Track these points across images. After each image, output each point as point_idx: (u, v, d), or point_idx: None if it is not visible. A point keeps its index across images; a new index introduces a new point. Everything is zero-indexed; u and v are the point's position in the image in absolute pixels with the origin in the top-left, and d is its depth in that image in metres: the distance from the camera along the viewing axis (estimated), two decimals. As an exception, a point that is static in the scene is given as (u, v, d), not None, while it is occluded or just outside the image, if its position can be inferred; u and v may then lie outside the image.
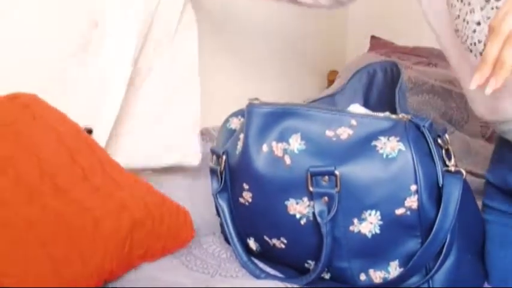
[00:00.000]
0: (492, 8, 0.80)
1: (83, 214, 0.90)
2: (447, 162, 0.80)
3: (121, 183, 1.00)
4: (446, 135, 0.82)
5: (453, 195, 0.77)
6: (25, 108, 1.05)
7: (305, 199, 0.82)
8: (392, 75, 0.98)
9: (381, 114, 0.83)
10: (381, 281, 0.82)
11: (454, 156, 0.81)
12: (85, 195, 0.94)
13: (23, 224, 0.85)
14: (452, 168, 0.80)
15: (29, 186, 0.91)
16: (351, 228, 0.81)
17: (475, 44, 0.83)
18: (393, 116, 0.83)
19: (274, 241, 0.88)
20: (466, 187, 0.81)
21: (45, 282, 0.81)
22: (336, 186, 0.80)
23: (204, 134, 1.54)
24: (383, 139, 0.80)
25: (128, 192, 0.98)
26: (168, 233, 0.97)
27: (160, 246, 0.96)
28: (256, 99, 0.91)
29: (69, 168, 0.98)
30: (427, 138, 0.80)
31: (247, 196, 0.88)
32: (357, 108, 0.90)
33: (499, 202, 0.92)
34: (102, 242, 0.88)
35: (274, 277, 0.90)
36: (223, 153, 0.92)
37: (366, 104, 0.98)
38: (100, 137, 1.07)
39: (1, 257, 0.80)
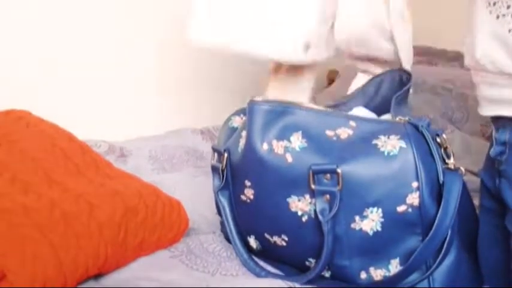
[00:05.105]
0: None
1: (78, 201, 0.91)
2: (446, 160, 0.81)
3: (114, 178, 1.01)
4: (444, 135, 0.83)
5: (453, 191, 0.78)
6: (19, 119, 1.09)
7: (307, 196, 0.82)
8: (401, 83, 0.97)
9: (380, 118, 0.84)
10: (381, 278, 0.82)
11: (453, 155, 0.81)
12: (79, 186, 0.95)
13: (19, 210, 0.86)
14: (452, 166, 0.80)
15: (24, 181, 0.92)
16: (353, 225, 0.81)
17: None
18: (391, 119, 0.84)
19: (275, 239, 0.88)
20: (463, 186, 0.81)
21: (45, 266, 0.81)
22: (338, 184, 0.80)
23: (205, 133, 1.54)
24: (383, 137, 0.80)
25: (122, 183, 0.99)
26: (162, 223, 0.98)
27: (155, 238, 0.97)
28: (259, 97, 0.91)
29: (63, 165, 0.99)
30: (426, 137, 0.81)
31: (248, 193, 0.88)
32: (360, 110, 0.90)
33: (491, 201, 0.92)
34: (97, 227, 0.89)
35: (274, 275, 0.90)
36: (224, 150, 0.92)
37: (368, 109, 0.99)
38: None
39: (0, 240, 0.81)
